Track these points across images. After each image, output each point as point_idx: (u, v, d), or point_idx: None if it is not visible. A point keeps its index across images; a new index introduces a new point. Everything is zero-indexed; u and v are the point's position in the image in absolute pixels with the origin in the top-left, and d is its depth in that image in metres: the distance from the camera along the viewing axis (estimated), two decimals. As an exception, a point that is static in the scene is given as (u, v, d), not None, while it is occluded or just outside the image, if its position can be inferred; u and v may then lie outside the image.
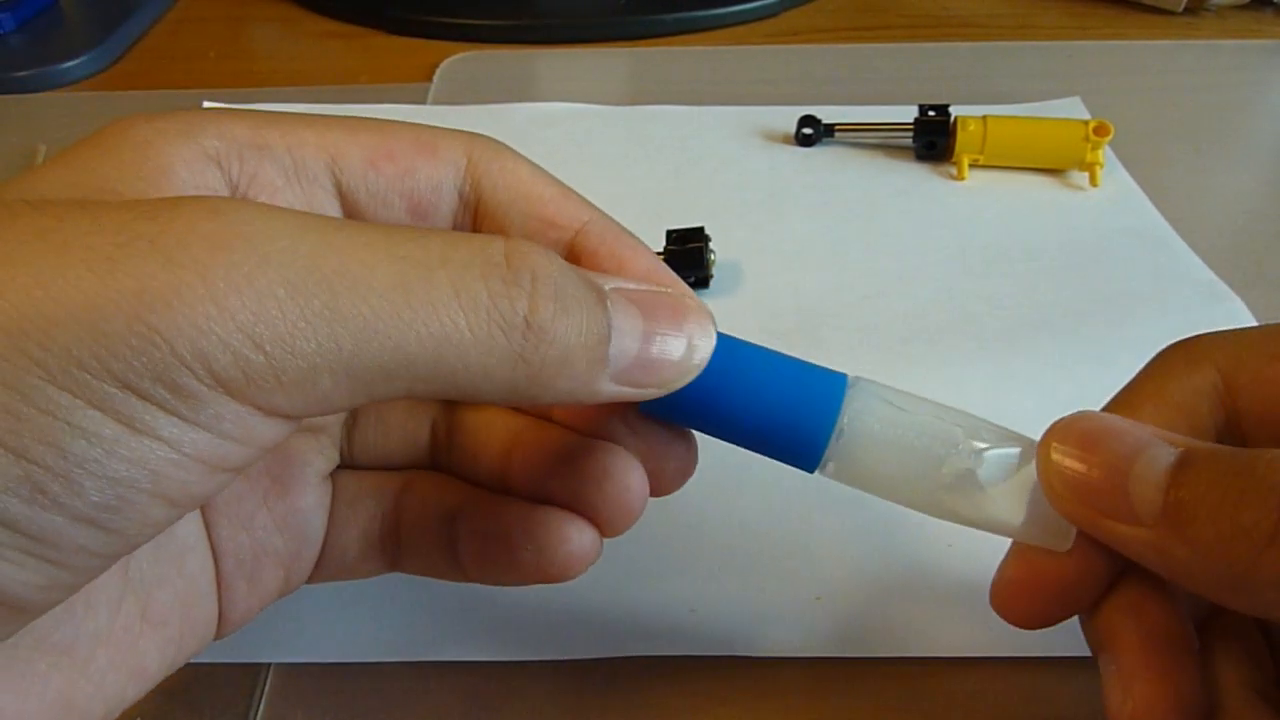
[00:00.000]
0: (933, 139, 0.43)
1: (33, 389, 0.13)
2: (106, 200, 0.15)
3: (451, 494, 0.21)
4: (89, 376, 0.13)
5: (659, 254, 0.35)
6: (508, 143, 0.20)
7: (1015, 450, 0.19)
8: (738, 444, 0.20)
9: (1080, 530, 0.18)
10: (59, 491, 0.13)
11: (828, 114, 0.46)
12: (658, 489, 0.20)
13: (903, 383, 0.32)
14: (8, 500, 0.13)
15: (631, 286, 0.17)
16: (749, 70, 0.54)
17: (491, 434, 0.21)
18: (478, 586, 0.25)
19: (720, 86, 0.52)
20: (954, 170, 0.43)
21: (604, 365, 0.16)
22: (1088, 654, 0.24)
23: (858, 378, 0.20)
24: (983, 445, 0.19)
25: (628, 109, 0.49)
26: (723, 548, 0.27)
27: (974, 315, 0.35)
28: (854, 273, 0.37)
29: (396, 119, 0.21)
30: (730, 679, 0.24)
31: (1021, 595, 0.20)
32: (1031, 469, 0.19)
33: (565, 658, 0.24)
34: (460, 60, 0.55)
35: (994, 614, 0.25)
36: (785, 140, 0.46)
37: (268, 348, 0.14)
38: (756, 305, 0.36)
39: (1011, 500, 0.19)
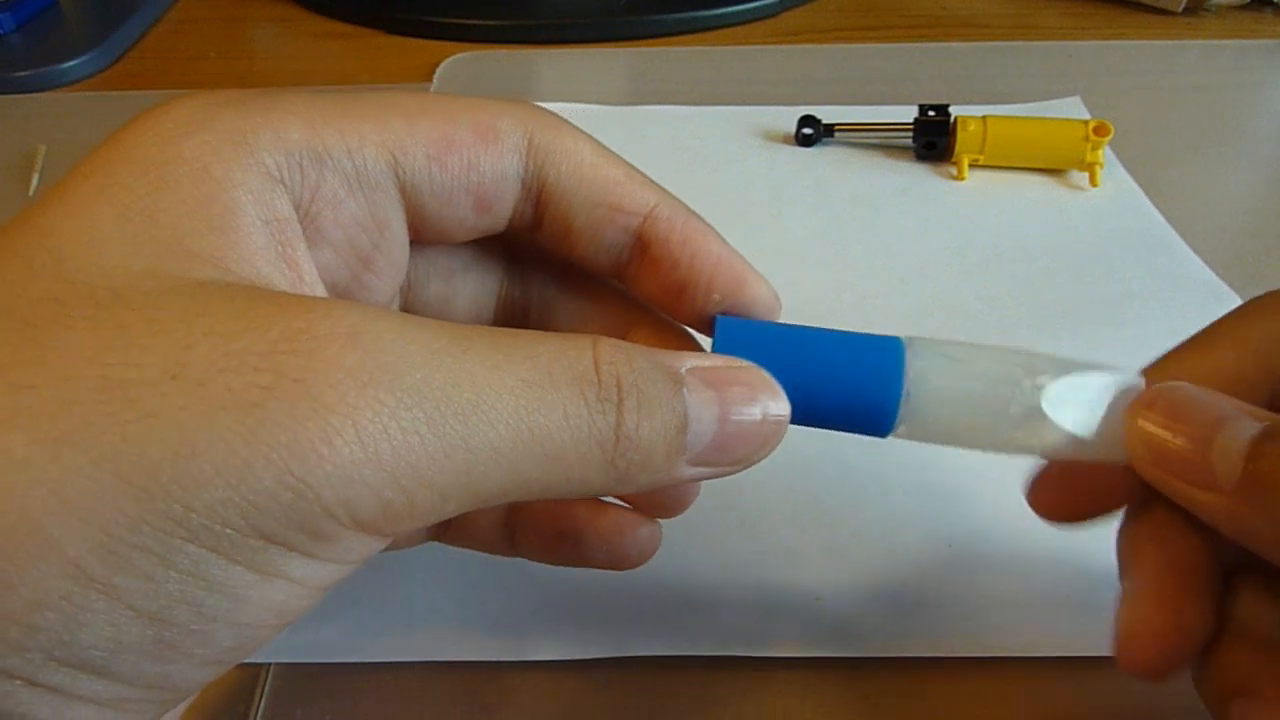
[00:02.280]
0: (933, 139, 0.43)
1: (176, 551, 0.13)
2: (197, 277, 0.14)
3: None
4: (233, 533, 0.13)
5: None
6: None
7: (1076, 377, 0.19)
8: (810, 425, 0.20)
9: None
10: (190, 646, 0.13)
11: (828, 114, 0.46)
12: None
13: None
14: (139, 660, 0.13)
15: (706, 364, 0.17)
16: (749, 70, 0.54)
17: None
18: (478, 585, 0.25)
19: (720, 86, 0.52)
20: (954, 170, 0.43)
21: (682, 453, 0.17)
22: (1087, 654, 0.24)
23: (911, 338, 0.20)
24: (1044, 379, 0.19)
25: (628, 109, 0.49)
26: (723, 548, 0.26)
27: (974, 315, 0.35)
28: (854, 273, 0.37)
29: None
30: (730, 679, 0.24)
31: (1055, 487, 0.21)
32: (1093, 391, 0.19)
33: (565, 658, 0.24)
34: (460, 60, 0.55)
35: (994, 614, 0.25)
36: (785, 140, 0.46)
37: (408, 486, 0.14)
38: (756, 305, 0.36)
39: (1079, 426, 0.19)
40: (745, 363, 0.18)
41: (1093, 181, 0.42)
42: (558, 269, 0.22)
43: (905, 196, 0.42)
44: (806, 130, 0.45)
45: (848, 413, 0.20)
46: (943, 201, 0.42)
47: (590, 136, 0.19)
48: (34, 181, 0.44)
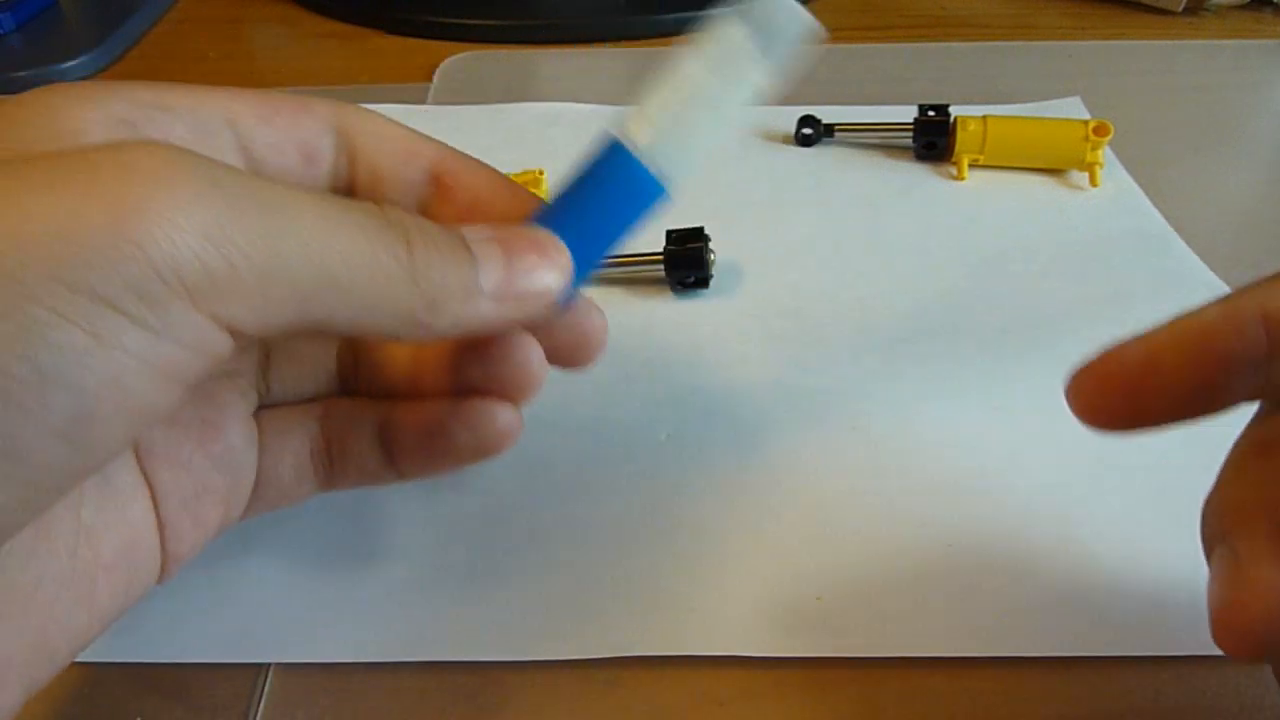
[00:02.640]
0: (933, 139, 0.43)
1: (12, 307, 0.14)
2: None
3: (371, 409, 0.24)
4: (65, 290, 0.14)
5: (658, 254, 0.35)
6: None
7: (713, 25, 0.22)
8: (618, 242, 0.22)
9: (1179, 339, 0.19)
10: (30, 402, 0.14)
11: (828, 114, 0.46)
12: (571, 361, 0.23)
13: (903, 383, 0.32)
14: None
15: (489, 234, 0.20)
16: (749, 70, 0.54)
17: (394, 350, 0.24)
18: (478, 585, 0.25)
19: (720, 86, 0.52)
20: (954, 170, 0.43)
21: (477, 286, 0.19)
22: (1087, 654, 0.24)
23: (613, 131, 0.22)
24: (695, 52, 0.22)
25: (628, 109, 0.49)
26: (723, 547, 0.27)
27: (974, 315, 0.35)
28: (854, 273, 0.37)
29: (396, 119, 0.23)
30: (730, 679, 0.24)
31: (1100, 381, 0.21)
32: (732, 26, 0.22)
33: (566, 658, 0.24)
34: (460, 60, 0.55)
35: (994, 614, 0.25)
36: (785, 140, 0.46)
37: (229, 254, 0.15)
38: (756, 305, 0.36)
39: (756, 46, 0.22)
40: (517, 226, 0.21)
41: (1093, 181, 0.42)
42: None
43: (905, 196, 0.42)
44: (806, 130, 0.45)
45: (633, 208, 0.22)
46: (943, 201, 0.42)
47: (386, 118, 0.23)
48: (34, 181, 0.44)
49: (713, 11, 0.22)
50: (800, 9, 0.22)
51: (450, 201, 0.23)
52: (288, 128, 0.21)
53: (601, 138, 0.22)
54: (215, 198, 0.15)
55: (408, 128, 0.23)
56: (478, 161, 0.23)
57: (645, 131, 0.22)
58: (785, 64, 0.22)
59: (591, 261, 0.22)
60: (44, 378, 0.14)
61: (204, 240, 0.15)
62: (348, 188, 0.23)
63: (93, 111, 0.18)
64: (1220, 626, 0.17)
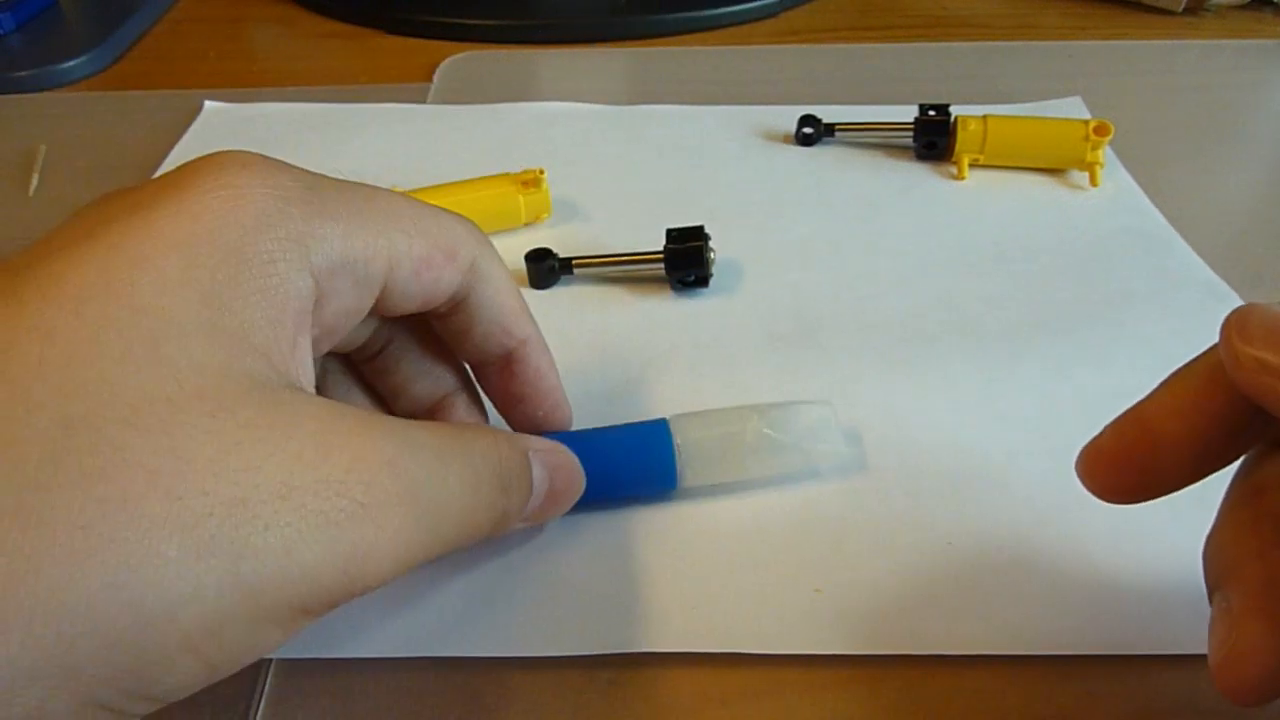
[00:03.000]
0: (933, 139, 0.44)
1: (266, 630, 0.17)
2: (261, 375, 0.18)
3: None
4: (303, 615, 0.18)
5: (658, 253, 0.35)
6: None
7: (787, 412, 0.27)
8: (621, 496, 0.27)
9: (1176, 406, 0.19)
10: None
11: (828, 114, 0.46)
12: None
13: (903, 382, 0.32)
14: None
15: (537, 446, 0.24)
16: (749, 70, 0.54)
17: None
18: (479, 581, 0.25)
19: (720, 86, 0.52)
20: (954, 170, 0.43)
21: (522, 516, 0.24)
22: (1087, 653, 0.24)
23: (673, 417, 0.27)
24: (766, 419, 0.27)
25: (628, 109, 0.49)
26: (723, 546, 0.27)
27: (974, 315, 0.35)
28: (854, 273, 0.37)
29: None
30: (730, 678, 0.24)
31: (1108, 462, 0.21)
32: (803, 418, 0.28)
33: (566, 654, 0.24)
34: (460, 60, 0.55)
35: (994, 613, 0.25)
36: (785, 140, 0.46)
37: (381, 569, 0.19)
38: (756, 305, 0.36)
39: (798, 442, 0.27)
40: (561, 445, 0.25)
41: (1093, 181, 0.42)
42: (425, 330, 0.26)
43: (905, 196, 0.42)
44: (806, 130, 0.45)
45: (648, 482, 0.27)
46: (943, 201, 0.42)
47: (504, 265, 0.24)
48: (34, 181, 0.44)
49: (811, 402, 0.28)
50: (842, 449, 0.28)
51: (504, 383, 0.26)
52: (432, 283, 0.22)
53: (657, 421, 0.27)
54: (417, 528, 0.19)
55: (517, 290, 0.25)
56: (550, 356, 0.26)
57: (693, 437, 0.27)
58: (810, 464, 0.28)
59: (585, 494, 0.26)
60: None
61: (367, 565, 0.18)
62: (438, 317, 0.25)
63: (299, 274, 0.19)
64: (1220, 680, 0.18)
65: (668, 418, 0.27)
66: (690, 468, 0.27)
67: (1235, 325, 0.18)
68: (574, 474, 0.25)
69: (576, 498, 0.25)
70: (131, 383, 0.16)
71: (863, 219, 0.41)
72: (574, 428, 0.27)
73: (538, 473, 0.23)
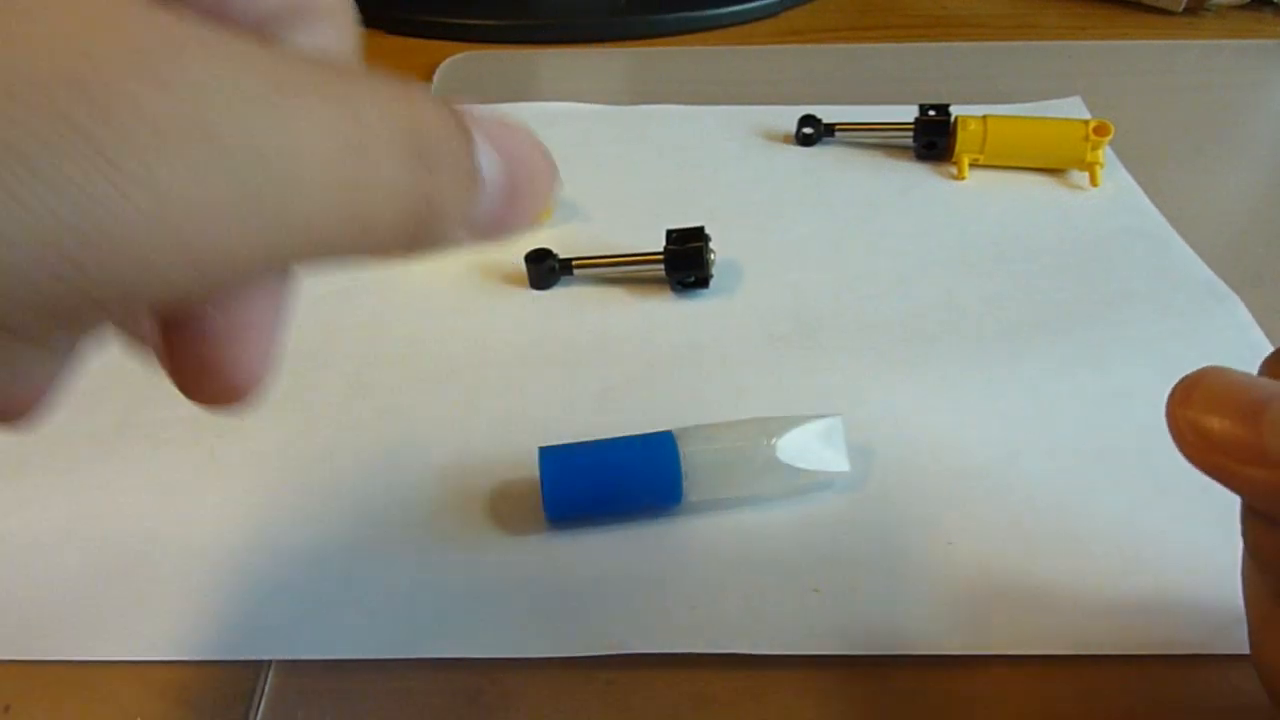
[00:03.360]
0: (933, 139, 0.44)
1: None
2: None
3: None
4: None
5: (659, 254, 0.35)
6: None
7: (797, 430, 0.27)
8: (622, 511, 0.27)
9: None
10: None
11: (828, 114, 0.46)
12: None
13: (903, 381, 0.32)
14: None
15: (484, 118, 0.17)
16: (749, 70, 0.54)
17: None
18: (479, 582, 0.25)
19: (720, 86, 0.52)
20: (954, 170, 0.43)
21: (467, 220, 0.16)
22: (1087, 653, 0.24)
23: (679, 430, 0.27)
24: (774, 437, 0.27)
25: (628, 109, 0.49)
26: (723, 546, 0.27)
27: (974, 315, 0.35)
28: (854, 273, 0.37)
29: None
30: (730, 678, 0.24)
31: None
32: (811, 434, 0.27)
33: (566, 654, 0.24)
34: (460, 60, 0.55)
35: (995, 613, 0.25)
36: (785, 140, 0.46)
37: (200, 262, 0.12)
38: (756, 305, 0.36)
39: (807, 462, 0.27)
40: (518, 123, 0.17)
41: (1093, 181, 0.42)
42: None
43: (905, 196, 0.42)
44: (806, 130, 0.45)
45: (651, 498, 0.27)
46: (943, 201, 0.42)
47: None
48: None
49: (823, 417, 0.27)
50: (848, 468, 0.28)
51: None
52: None
53: (663, 433, 0.27)
54: (206, 174, 0.12)
55: None
56: None
57: (701, 451, 0.26)
58: (816, 482, 0.28)
59: (589, 506, 0.26)
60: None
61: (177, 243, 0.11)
62: None
63: None
64: None
65: (674, 431, 0.27)
66: (695, 487, 0.26)
67: (1180, 388, 0.18)
68: (539, 162, 0.18)
69: (547, 198, 0.18)
70: None
71: (863, 219, 0.41)
72: (574, 430, 0.27)
73: (486, 156, 0.16)
